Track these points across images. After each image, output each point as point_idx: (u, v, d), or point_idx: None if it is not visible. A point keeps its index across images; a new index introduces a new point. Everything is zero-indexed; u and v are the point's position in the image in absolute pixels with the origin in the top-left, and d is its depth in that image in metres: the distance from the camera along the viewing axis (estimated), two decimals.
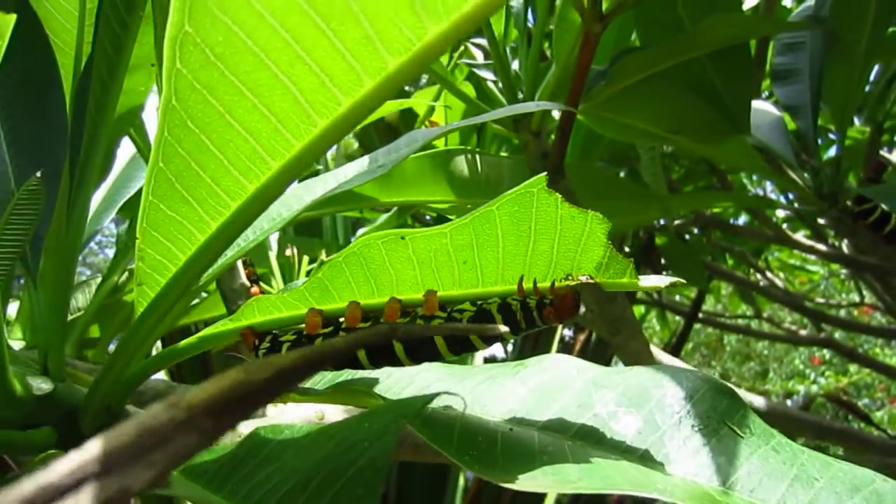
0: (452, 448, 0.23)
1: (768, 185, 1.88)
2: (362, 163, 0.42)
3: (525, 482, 0.21)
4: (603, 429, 0.25)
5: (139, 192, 0.62)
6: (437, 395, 0.22)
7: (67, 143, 0.35)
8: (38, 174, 0.32)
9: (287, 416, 0.44)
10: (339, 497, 0.17)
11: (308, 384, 0.31)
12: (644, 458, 0.24)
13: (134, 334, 0.27)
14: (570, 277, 0.25)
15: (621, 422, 0.25)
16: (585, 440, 0.24)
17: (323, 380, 0.31)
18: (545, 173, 0.21)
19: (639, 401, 0.26)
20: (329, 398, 0.31)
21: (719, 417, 0.25)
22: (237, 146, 0.21)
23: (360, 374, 0.31)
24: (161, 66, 0.21)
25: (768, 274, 1.63)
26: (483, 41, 0.69)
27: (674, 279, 0.24)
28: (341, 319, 0.28)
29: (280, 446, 0.22)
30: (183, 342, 0.31)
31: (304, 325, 0.29)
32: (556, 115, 0.66)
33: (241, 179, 0.22)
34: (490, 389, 0.28)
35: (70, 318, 0.66)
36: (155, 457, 0.11)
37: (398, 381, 0.30)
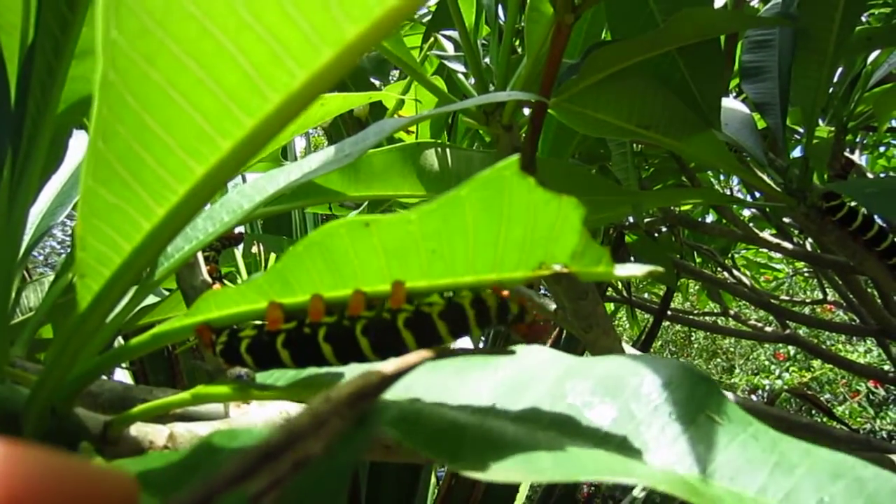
0: (421, 442, 0.22)
1: (735, 185, 1.91)
2: (328, 152, 0.41)
3: (496, 472, 0.20)
4: (577, 418, 0.24)
5: None
6: (418, 400, 0.20)
7: (10, 130, 0.33)
8: None
9: (250, 416, 0.43)
10: None
11: (269, 381, 0.30)
12: (621, 446, 0.23)
13: (77, 331, 0.25)
14: (543, 266, 0.24)
15: (596, 411, 0.24)
16: (560, 430, 0.23)
17: (284, 377, 0.30)
18: (517, 155, 0.20)
19: (614, 390, 0.25)
20: (292, 395, 0.30)
21: (697, 405, 0.24)
22: (183, 125, 0.19)
23: (324, 370, 0.29)
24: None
25: (735, 272, 1.65)
26: (453, 33, 0.68)
27: (650, 267, 0.23)
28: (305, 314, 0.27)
29: (234, 453, 0.20)
30: (134, 339, 0.29)
31: (263, 320, 0.28)
32: (526, 111, 0.65)
33: (188, 161, 0.20)
34: (460, 381, 0.27)
35: (21, 318, 0.63)
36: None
37: None
